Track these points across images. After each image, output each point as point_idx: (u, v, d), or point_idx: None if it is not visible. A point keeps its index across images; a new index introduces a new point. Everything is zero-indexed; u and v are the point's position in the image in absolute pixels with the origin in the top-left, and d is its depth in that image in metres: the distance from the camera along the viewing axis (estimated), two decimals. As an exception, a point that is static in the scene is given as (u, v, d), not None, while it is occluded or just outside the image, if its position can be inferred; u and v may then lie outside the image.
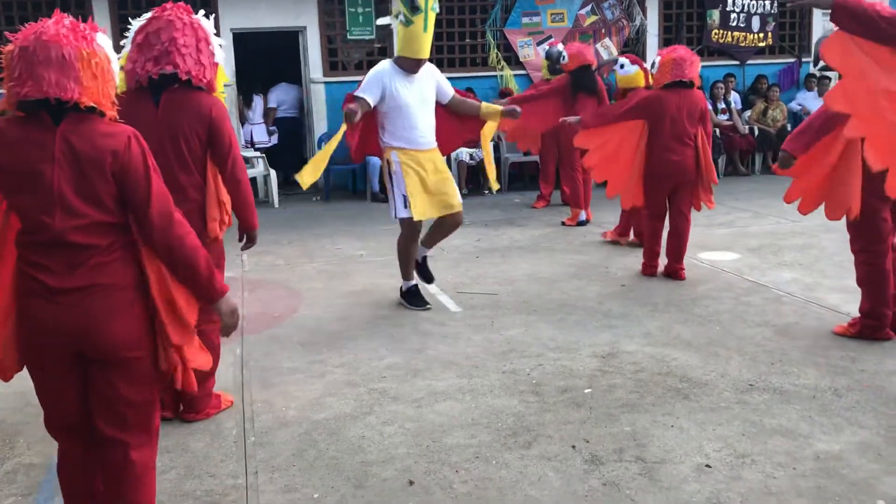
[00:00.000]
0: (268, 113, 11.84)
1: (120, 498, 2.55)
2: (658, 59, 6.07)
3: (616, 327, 5.01)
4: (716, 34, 12.35)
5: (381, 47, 11.61)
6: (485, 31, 11.74)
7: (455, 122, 5.66)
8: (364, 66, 11.59)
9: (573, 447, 3.43)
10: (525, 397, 3.98)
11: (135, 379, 2.49)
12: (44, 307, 2.37)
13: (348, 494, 3.13)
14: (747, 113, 12.02)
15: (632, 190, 6.21)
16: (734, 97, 12.05)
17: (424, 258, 5.76)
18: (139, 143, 2.41)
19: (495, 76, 11.82)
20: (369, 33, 11.50)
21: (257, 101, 11.79)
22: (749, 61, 12.62)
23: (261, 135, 11.72)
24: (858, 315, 4.63)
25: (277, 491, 3.18)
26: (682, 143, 5.98)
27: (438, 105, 5.48)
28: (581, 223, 8.43)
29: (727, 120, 11.73)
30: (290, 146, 11.94)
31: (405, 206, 5.31)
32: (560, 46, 9.61)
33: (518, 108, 5.58)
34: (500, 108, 5.59)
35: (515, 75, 11.82)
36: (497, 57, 11.78)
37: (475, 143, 6.34)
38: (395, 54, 5.35)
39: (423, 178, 5.31)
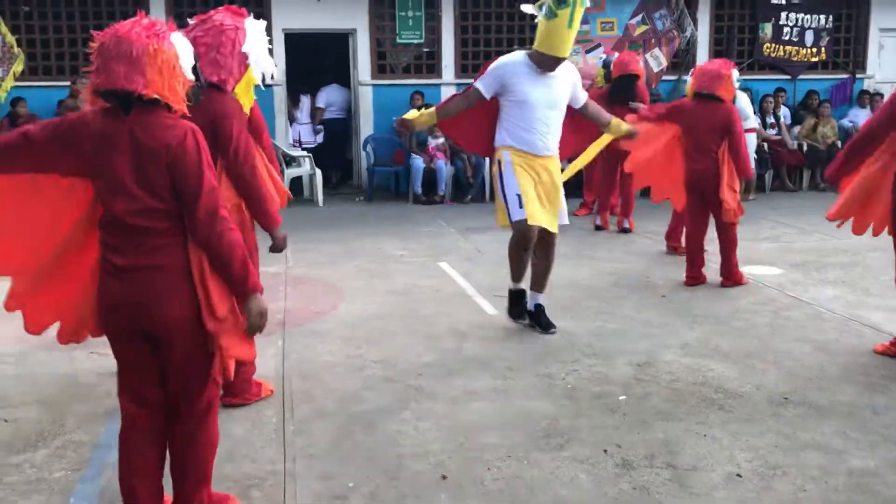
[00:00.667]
0: (315, 112, 12.01)
1: (180, 469, 2.77)
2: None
3: (654, 336, 5.02)
4: (767, 48, 12.24)
5: (429, 52, 11.72)
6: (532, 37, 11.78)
7: (570, 131, 5.09)
8: (412, 69, 11.74)
9: (605, 451, 3.47)
10: (559, 401, 4.02)
11: (190, 356, 2.65)
12: (112, 283, 2.58)
13: (382, 485, 3.20)
14: (797, 128, 11.88)
15: (677, 195, 6.37)
16: (784, 112, 11.92)
17: (537, 306, 5.17)
18: (195, 139, 2.53)
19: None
20: (418, 37, 11.62)
21: (304, 102, 11.97)
22: (801, 76, 12.48)
23: (308, 134, 11.90)
24: None
25: (314, 478, 3.26)
26: (702, 153, 6.08)
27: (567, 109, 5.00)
28: (624, 230, 8.45)
29: (776, 134, 11.61)
30: (336, 147, 12.11)
31: (520, 206, 4.80)
32: (616, 56, 9.62)
33: (639, 130, 5.51)
34: (629, 126, 5.33)
35: (562, 83, 11.83)
36: (545, 64, 11.81)
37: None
38: (533, 47, 4.80)
39: (537, 183, 4.87)
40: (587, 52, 11.71)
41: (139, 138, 2.49)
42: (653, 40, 12.08)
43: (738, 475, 3.25)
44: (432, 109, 4.97)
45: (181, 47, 2.54)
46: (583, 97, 5.07)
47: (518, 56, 4.84)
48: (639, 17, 12.01)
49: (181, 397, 2.71)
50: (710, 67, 6.14)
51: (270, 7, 11.05)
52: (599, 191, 9.00)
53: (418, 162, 10.72)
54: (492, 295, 6.00)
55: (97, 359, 4.69)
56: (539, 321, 5.14)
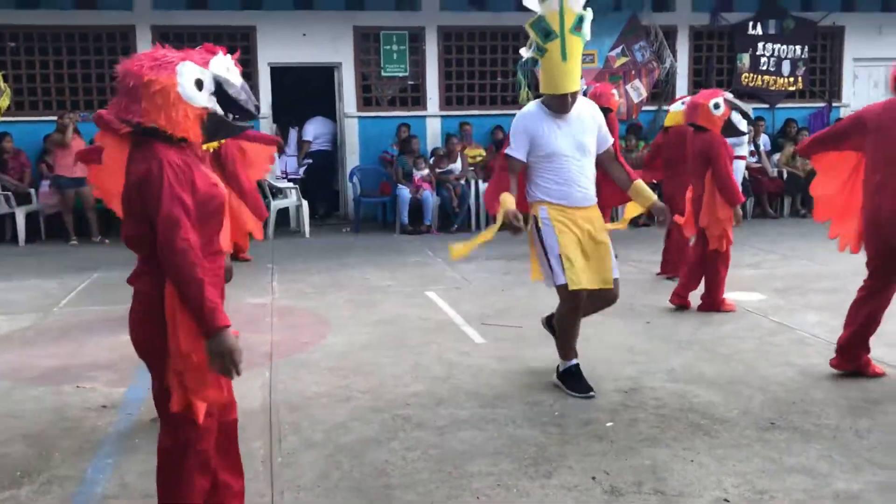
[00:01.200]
0: (301, 145, 12.08)
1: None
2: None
3: (639, 363, 5.06)
4: (745, 77, 12.45)
5: (414, 84, 11.84)
6: (516, 70, 11.94)
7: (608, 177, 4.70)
8: (397, 102, 11.85)
9: (593, 478, 3.48)
10: (547, 428, 4.03)
11: (157, 389, 2.71)
12: None
13: (371, 515, 3.20)
14: (776, 156, 12.06)
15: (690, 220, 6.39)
16: (763, 140, 12.11)
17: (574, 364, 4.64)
18: (160, 169, 2.49)
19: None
20: (403, 70, 11.75)
21: (292, 134, 12.06)
22: (779, 105, 12.69)
23: (295, 166, 11.97)
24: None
25: (302, 510, 3.25)
26: (695, 181, 6.22)
27: None
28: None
29: (756, 162, 11.77)
30: (323, 178, 12.18)
31: (562, 270, 4.30)
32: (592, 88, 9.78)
33: (664, 207, 4.55)
34: (653, 197, 4.55)
35: (545, 114, 11.97)
36: (528, 95, 11.94)
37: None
38: (541, 92, 4.45)
39: (580, 239, 4.37)
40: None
41: (129, 168, 2.61)
42: (633, 72, 12.26)
43: (726, 500, 3.27)
44: (506, 196, 4.31)
45: (188, 75, 2.53)
46: (608, 141, 4.54)
47: (531, 106, 4.46)
48: (619, 49, 12.20)
49: (158, 412, 2.80)
50: (692, 99, 6.28)
51: (256, 41, 11.16)
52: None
53: (405, 192, 10.79)
54: (479, 324, 6.03)
55: (84, 392, 4.67)
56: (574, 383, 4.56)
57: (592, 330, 5.81)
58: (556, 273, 4.35)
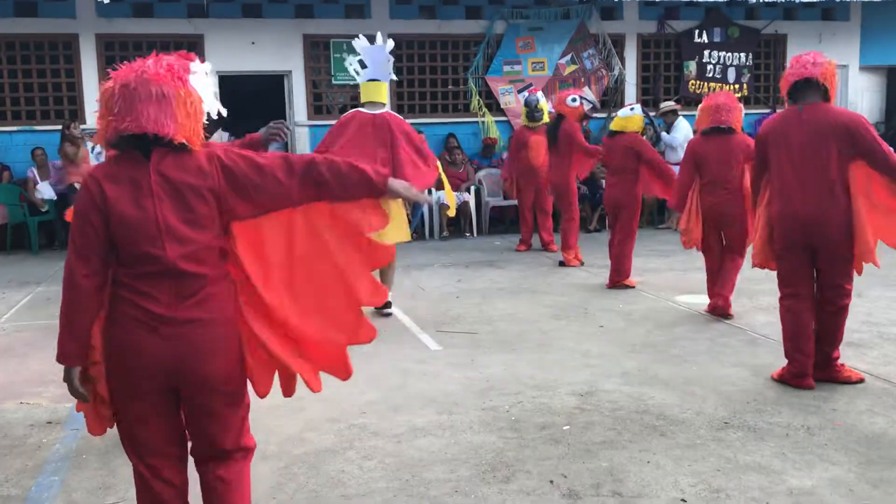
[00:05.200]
0: (252, 155, 11.95)
1: None
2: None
3: (594, 366, 5.08)
4: (692, 85, 12.66)
5: (365, 92, 11.80)
6: (467, 78, 11.97)
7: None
8: (348, 109, 11.77)
9: (551, 482, 3.47)
10: (504, 433, 4.02)
11: (230, 402, 2.58)
12: (147, 337, 2.38)
13: (328, 526, 3.14)
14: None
15: (692, 230, 6.23)
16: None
17: None
18: (218, 150, 2.47)
19: (477, 122, 12.03)
20: (353, 78, 11.68)
21: (242, 143, 11.92)
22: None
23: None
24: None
25: (257, 523, 3.18)
26: (720, 186, 6.06)
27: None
28: (561, 263, 8.57)
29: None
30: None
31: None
32: (539, 94, 9.86)
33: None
34: None
35: (497, 122, 12.04)
36: (479, 103, 12.01)
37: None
38: None
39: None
40: (519, 91, 11.93)
41: (171, 177, 2.38)
42: (582, 79, 12.39)
43: (683, 500, 3.29)
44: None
45: (202, 87, 2.47)
46: None
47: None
48: (568, 57, 12.32)
49: (221, 443, 2.60)
50: (719, 102, 6.12)
51: (204, 50, 11.00)
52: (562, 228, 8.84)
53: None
54: (434, 330, 6.00)
55: (28, 409, 4.52)
56: None
57: (546, 336, 5.84)
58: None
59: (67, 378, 2.45)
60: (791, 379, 4.59)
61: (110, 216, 2.35)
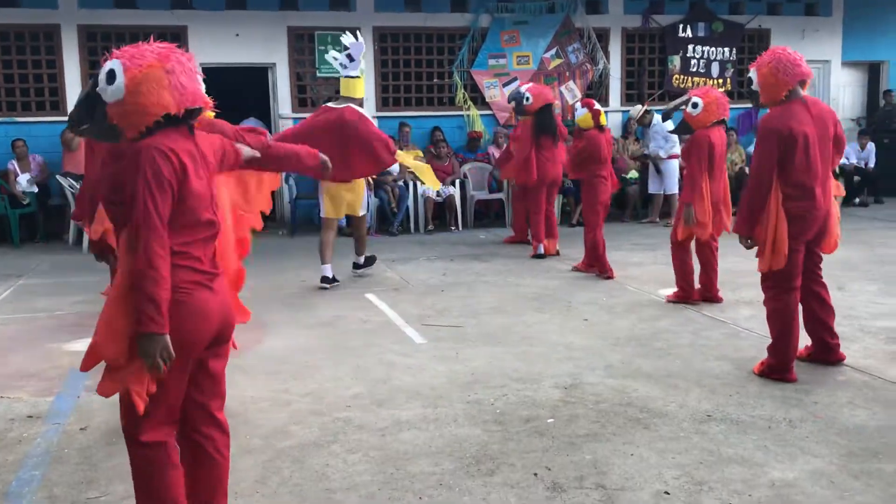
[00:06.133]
0: (236, 147, 11.89)
1: (215, 486, 2.85)
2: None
3: (578, 359, 5.09)
4: (676, 79, 12.70)
5: (349, 85, 11.75)
6: (452, 71, 11.95)
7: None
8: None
9: (535, 475, 3.48)
10: (488, 426, 4.03)
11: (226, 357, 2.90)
12: (209, 296, 2.65)
13: (312, 520, 3.14)
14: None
15: (708, 223, 6.36)
16: (694, 140, 12.36)
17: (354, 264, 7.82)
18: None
19: (462, 115, 12.01)
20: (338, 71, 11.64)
21: (226, 136, 11.85)
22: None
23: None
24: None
25: (241, 516, 3.17)
26: (721, 175, 6.39)
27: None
28: (539, 256, 8.63)
29: (688, 162, 12.02)
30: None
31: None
32: (523, 88, 9.88)
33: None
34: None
35: (482, 115, 12.03)
36: (464, 97, 12.00)
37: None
38: None
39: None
40: (504, 85, 11.93)
41: (203, 149, 2.71)
42: (567, 73, 12.40)
43: (667, 492, 3.31)
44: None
45: None
46: None
47: None
48: (553, 51, 12.32)
49: (222, 403, 2.86)
50: (721, 95, 6.41)
51: (188, 41, 10.92)
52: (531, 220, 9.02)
53: (340, 194, 10.68)
54: (419, 324, 6.00)
55: (9, 403, 4.48)
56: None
57: (530, 329, 5.85)
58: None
59: (158, 346, 2.47)
60: (777, 373, 4.63)
61: (184, 187, 2.56)
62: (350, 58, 7.05)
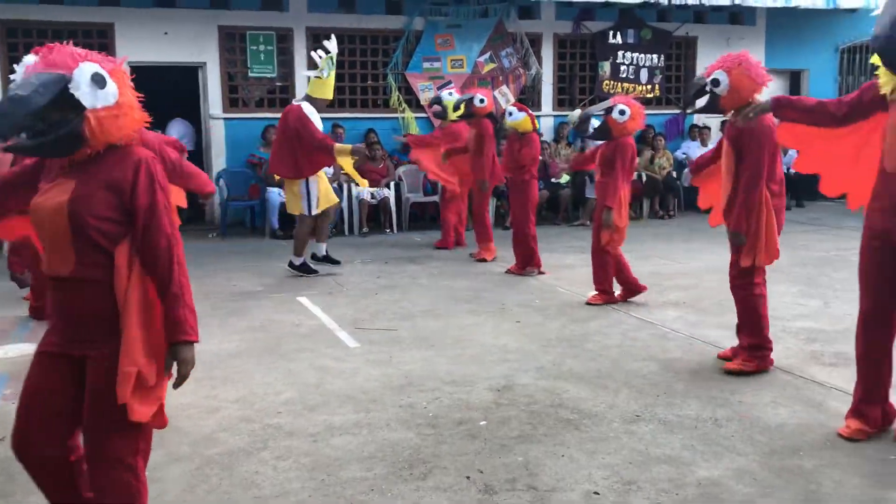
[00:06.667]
0: (166, 147, 11.63)
1: None
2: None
3: (511, 361, 5.13)
4: (606, 85, 12.92)
5: (282, 86, 11.62)
6: (386, 73, 11.93)
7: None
8: (265, 103, 11.60)
9: (468, 478, 3.49)
10: (422, 430, 4.02)
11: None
12: None
13: (241, 529, 3.08)
14: (636, 160, 12.56)
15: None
16: (625, 145, 12.60)
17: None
18: None
19: (396, 118, 11.99)
20: (271, 71, 11.51)
21: (156, 136, 11.58)
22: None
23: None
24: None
25: (167, 527, 3.10)
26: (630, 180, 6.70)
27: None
28: (481, 260, 8.68)
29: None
30: (186, 182, 11.75)
31: (317, 206, 7.71)
32: (453, 92, 9.98)
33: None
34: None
35: (417, 118, 12.03)
36: (398, 99, 11.98)
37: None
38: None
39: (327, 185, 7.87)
40: (438, 88, 11.95)
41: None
42: (500, 77, 12.49)
43: (596, 492, 3.35)
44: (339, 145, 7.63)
45: None
46: None
47: (306, 104, 7.65)
48: (487, 55, 12.40)
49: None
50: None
51: (114, 39, 10.65)
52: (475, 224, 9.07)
53: (274, 195, 10.56)
54: (353, 328, 5.96)
55: (-81, 414, 4.29)
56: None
57: (463, 331, 5.87)
58: (313, 208, 7.69)
59: (193, 355, 2.53)
60: (761, 352, 4.86)
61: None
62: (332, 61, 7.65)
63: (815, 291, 6.88)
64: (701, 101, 4.85)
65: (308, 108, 7.60)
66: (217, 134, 11.39)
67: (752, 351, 4.86)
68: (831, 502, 3.26)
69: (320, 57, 7.63)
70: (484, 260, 8.68)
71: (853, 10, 12.71)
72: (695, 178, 5.39)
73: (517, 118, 7.88)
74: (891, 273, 3.70)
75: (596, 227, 6.63)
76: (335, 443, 3.88)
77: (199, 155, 11.74)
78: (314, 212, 7.71)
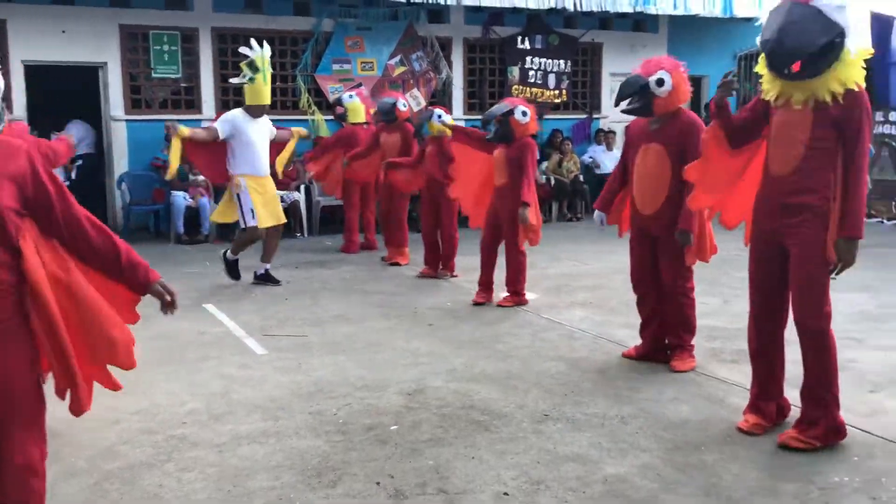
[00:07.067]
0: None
1: None
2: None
3: (422, 364, 5.12)
4: (516, 89, 13.07)
5: (188, 87, 11.33)
6: (295, 75, 11.77)
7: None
8: (169, 104, 11.28)
9: (378, 483, 3.46)
10: (331, 437, 3.97)
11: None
12: None
13: (142, 545, 2.98)
14: (544, 164, 12.78)
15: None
16: (533, 148, 12.80)
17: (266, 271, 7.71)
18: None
19: (306, 120, 11.85)
20: (175, 72, 11.21)
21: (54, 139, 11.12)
22: (546, 116, 13.44)
23: (61, 173, 11.02)
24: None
25: (62, 546, 2.97)
26: None
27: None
28: (394, 264, 8.66)
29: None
30: (86, 185, 11.33)
31: (253, 217, 7.28)
32: (354, 94, 9.94)
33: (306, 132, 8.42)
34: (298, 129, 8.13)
35: (327, 120, 11.91)
36: (308, 101, 11.84)
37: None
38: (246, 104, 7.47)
39: (264, 196, 7.38)
40: (349, 90, 11.86)
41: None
42: (411, 81, 12.50)
43: (506, 493, 3.38)
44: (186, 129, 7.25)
45: None
46: (274, 131, 7.74)
47: (238, 111, 7.47)
48: (397, 58, 12.39)
49: None
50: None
51: (7, 36, 10.17)
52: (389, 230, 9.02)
53: (179, 199, 10.28)
54: (261, 335, 5.85)
55: None
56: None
57: (376, 335, 5.84)
58: (248, 219, 7.28)
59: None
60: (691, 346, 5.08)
61: None
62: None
63: (716, 290, 7.12)
64: (637, 102, 4.81)
65: (233, 115, 7.39)
66: (119, 136, 11.02)
67: (691, 349, 5.07)
68: (730, 495, 3.37)
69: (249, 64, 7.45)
70: (397, 264, 8.65)
71: (749, 19, 13.22)
72: (610, 216, 5.31)
73: (447, 120, 7.90)
74: (778, 272, 3.86)
75: (508, 230, 6.68)
76: (242, 452, 3.79)
77: (100, 158, 11.34)
78: (250, 224, 7.28)
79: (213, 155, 7.41)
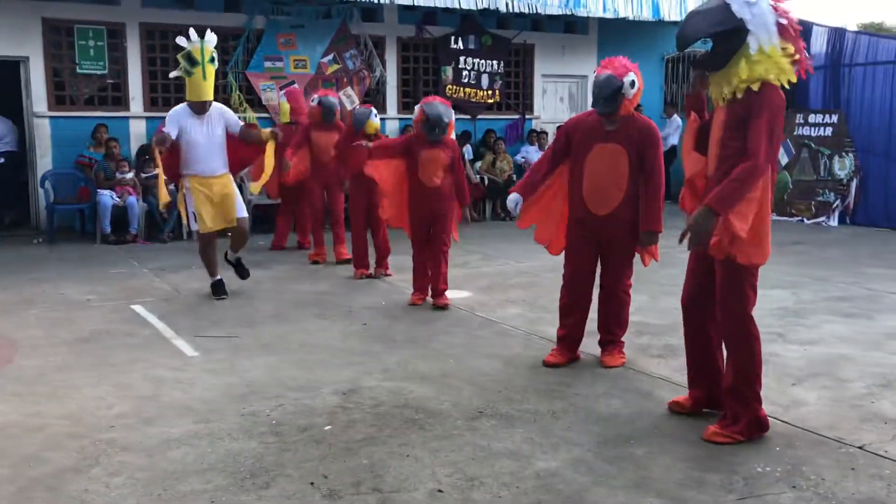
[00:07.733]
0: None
1: None
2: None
3: (357, 364, 5.11)
4: (450, 89, 13.14)
5: (114, 83, 11.05)
6: (226, 72, 11.59)
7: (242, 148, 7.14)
8: (95, 101, 10.98)
9: (312, 484, 3.45)
10: (264, 438, 3.93)
11: None
12: None
13: (68, 552, 2.90)
14: (478, 163, 12.87)
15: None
16: (466, 148, 12.86)
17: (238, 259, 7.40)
18: None
19: (238, 117, 11.67)
20: (101, 68, 10.92)
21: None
22: (480, 116, 13.55)
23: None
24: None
25: (-17, 557, 2.87)
26: None
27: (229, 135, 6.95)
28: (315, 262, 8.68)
29: (462, 169, 12.50)
30: (8, 183, 10.97)
31: (195, 221, 6.84)
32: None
33: (280, 132, 7.40)
34: (269, 130, 7.25)
35: (259, 118, 11.76)
36: (239, 99, 11.68)
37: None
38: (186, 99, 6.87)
39: (211, 197, 6.80)
40: (281, 88, 11.75)
41: None
42: (345, 79, 12.44)
43: (440, 490, 3.40)
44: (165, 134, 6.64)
45: None
46: (238, 124, 7.09)
47: (180, 107, 6.90)
48: (330, 57, 12.32)
49: None
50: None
51: (-82, 28, 9.77)
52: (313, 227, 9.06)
53: (106, 198, 10.02)
54: (192, 336, 5.74)
55: None
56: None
57: (309, 335, 5.80)
58: (191, 222, 6.92)
59: None
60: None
61: None
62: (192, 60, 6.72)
63: (644, 287, 7.27)
64: (611, 103, 4.78)
65: (177, 112, 6.84)
66: (42, 133, 10.69)
67: (622, 345, 5.20)
68: (659, 486, 3.46)
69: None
70: (317, 262, 8.65)
71: (676, 23, 13.54)
72: (524, 216, 5.31)
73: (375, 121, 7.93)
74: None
75: (441, 229, 6.69)
76: (172, 456, 3.73)
77: (22, 155, 10.98)
78: (193, 228, 7.05)
79: (171, 153, 6.96)
